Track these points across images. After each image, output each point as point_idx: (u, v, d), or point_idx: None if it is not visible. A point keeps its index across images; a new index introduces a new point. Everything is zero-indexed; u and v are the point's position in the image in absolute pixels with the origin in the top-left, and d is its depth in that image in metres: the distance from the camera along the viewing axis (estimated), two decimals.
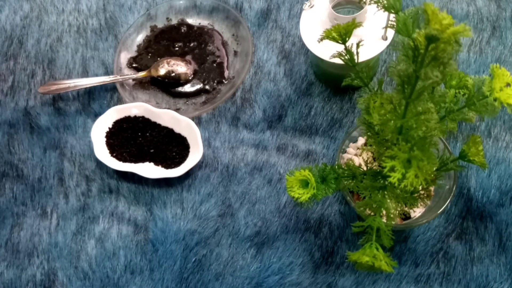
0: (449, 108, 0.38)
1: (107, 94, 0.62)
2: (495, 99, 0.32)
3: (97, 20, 0.67)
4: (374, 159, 0.49)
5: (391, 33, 0.49)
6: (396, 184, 0.31)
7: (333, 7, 0.50)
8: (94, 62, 0.64)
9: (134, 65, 0.63)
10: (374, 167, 0.43)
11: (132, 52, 0.64)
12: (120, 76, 0.60)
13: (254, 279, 0.51)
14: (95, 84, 0.60)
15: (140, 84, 0.62)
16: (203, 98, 0.61)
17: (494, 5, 0.59)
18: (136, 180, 0.57)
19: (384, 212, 0.38)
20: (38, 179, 0.59)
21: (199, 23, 0.65)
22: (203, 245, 0.53)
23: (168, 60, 0.61)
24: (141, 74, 0.61)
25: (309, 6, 0.52)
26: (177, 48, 0.64)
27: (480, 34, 0.58)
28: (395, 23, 0.36)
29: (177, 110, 0.59)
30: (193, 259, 0.53)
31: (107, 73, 0.63)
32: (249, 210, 0.54)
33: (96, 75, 0.63)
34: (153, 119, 0.58)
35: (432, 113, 0.31)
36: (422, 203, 0.46)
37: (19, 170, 0.59)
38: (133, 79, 0.62)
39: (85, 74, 0.63)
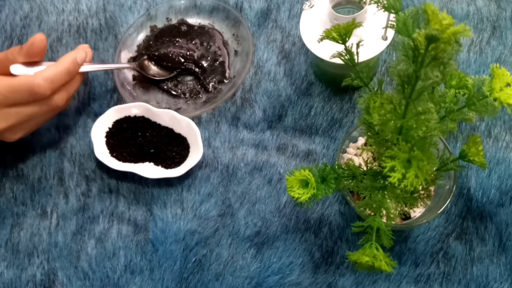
0: (449, 108, 0.38)
1: (107, 94, 0.62)
2: (495, 99, 0.32)
3: (97, 20, 0.67)
4: (374, 159, 0.49)
5: (391, 33, 0.49)
6: (396, 184, 0.31)
7: (333, 7, 0.50)
8: (94, 62, 0.64)
9: None
10: (374, 167, 0.43)
11: (132, 52, 0.64)
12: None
13: (254, 279, 0.51)
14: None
15: (140, 84, 0.62)
16: (203, 97, 0.61)
17: (494, 5, 0.59)
18: (136, 180, 0.57)
19: (384, 212, 0.39)
20: (38, 179, 0.59)
21: (199, 23, 0.65)
22: (203, 245, 0.53)
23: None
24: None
25: (309, 6, 0.52)
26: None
27: (480, 34, 0.58)
28: (395, 23, 0.36)
29: (177, 110, 0.59)
30: (193, 259, 0.53)
31: (107, 73, 0.63)
32: (249, 210, 0.54)
33: (96, 75, 0.63)
34: (153, 119, 0.58)
35: (432, 113, 0.31)
36: (422, 203, 0.46)
37: (19, 170, 0.59)
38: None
39: (85, 73, 0.63)
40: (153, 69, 0.62)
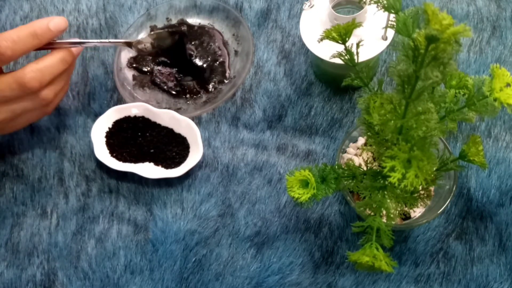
0: (449, 108, 0.38)
1: (107, 94, 0.62)
2: (495, 99, 0.32)
3: (97, 20, 0.67)
4: (374, 159, 0.49)
5: (391, 33, 0.49)
6: (396, 184, 0.31)
7: (333, 7, 0.50)
8: (94, 62, 0.64)
9: (134, 65, 0.63)
10: (374, 167, 0.43)
11: (132, 52, 0.64)
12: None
13: (254, 279, 0.51)
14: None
15: (140, 84, 0.62)
16: (203, 97, 0.61)
17: (494, 5, 0.59)
18: (136, 180, 0.57)
19: (384, 212, 0.39)
20: (38, 179, 0.59)
21: (199, 23, 0.65)
22: (203, 245, 0.53)
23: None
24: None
25: (309, 6, 0.52)
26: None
27: (480, 34, 0.58)
28: (395, 23, 0.36)
29: (177, 110, 0.59)
30: (193, 259, 0.53)
31: (107, 73, 0.63)
32: (249, 210, 0.54)
33: (96, 75, 0.63)
34: (153, 119, 0.58)
35: (432, 113, 0.31)
36: (422, 203, 0.46)
37: (19, 170, 0.59)
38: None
39: (85, 73, 0.63)
40: (147, 43, 0.61)
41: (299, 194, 0.36)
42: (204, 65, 0.62)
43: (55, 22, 0.48)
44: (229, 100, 0.60)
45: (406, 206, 0.41)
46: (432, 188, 0.48)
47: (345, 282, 0.50)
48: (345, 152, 0.51)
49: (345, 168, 0.41)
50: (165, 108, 0.59)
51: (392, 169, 0.31)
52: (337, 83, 0.55)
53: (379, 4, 0.37)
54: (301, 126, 0.57)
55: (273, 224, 0.53)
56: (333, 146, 0.56)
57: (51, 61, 0.49)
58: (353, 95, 0.58)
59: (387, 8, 0.37)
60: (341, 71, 0.53)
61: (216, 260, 0.52)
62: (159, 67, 0.63)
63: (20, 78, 0.47)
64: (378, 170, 0.41)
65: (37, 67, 0.48)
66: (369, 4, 0.46)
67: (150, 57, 0.63)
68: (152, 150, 0.57)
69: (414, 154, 0.31)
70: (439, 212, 0.45)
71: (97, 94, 0.62)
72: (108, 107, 0.59)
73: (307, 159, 0.56)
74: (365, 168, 0.43)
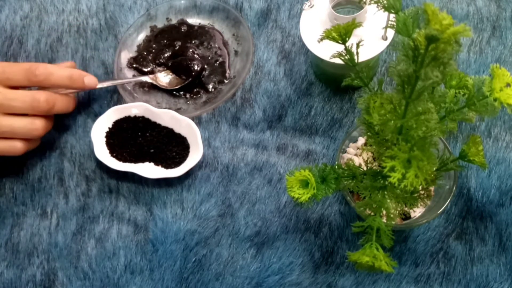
0: (449, 108, 0.38)
1: (107, 94, 0.62)
2: (495, 99, 0.32)
3: (97, 20, 0.67)
4: (374, 159, 0.49)
5: (391, 33, 0.49)
6: (396, 184, 0.31)
7: (333, 7, 0.50)
8: (94, 62, 0.64)
9: (134, 65, 0.63)
10: (374, 167, 0.43)
11: (132, 52, 0.64)
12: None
13: (254, 279, 0.51)
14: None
15: (140, 84, 0.62)
16: (203, 97, 0.61)
17: (494, 5, 0.59)
18: (136, 180, 0.57)
19: (384, 212, 0.39)
20: (38, 179, 0.59)
21: (199, 23, 0.65)
22: (203, 245, 0.53)
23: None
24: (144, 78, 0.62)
25: (309, 6, 0.52)
26: (177, 48, 0.63)
27: (480, 34, 0.58)
28: (395, 23, 0.36)
29: (177, 110, 0.59)
30: (193, 259, 0.53)
31: (107, 73, 0.63)
32: (249, 210, 0.54)
33: (96, 75, 0.63)
34: (153, 119, 0.58)
35: (432, 113, 0.31)
36: (422, 203, 0.46)
37: (19, 170, 0.59)
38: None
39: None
40: (166, 78, 0.61)
41: (299, 194, 0.36)
42: (205, 65, 0.62)
43: (89, 79, 0.56)
44: (229, 100, 0.60)
45: (406, 206, 0.41)
46: (432, 188, 0.48)
47: (345, 282, 0.50)
48: (345, 152, 0.51)
49: (345, 168, 0.41)
50: (165, 108, 0.59)
51: (392, 169, 0.31)
52: (337, 83, 0.54)
53: (379, 4, 0.37)
54: (301, 126, 0.57)
55: (273, 224, 0.53)
56: (333, 146, 0.56)
57: (64, 98, 0.56)
58: (353, 95, 0.58)
59: (387, 8, 0.37)
60: (341, 71, 0.53)
61: (216, 260, 0.52)
62: (159, 68, 0.63)
63: (37, 94, 0.53)
64: (378, 170, 0.41)
65: (54, 95, 0.54)
66: (369, 4, 0.46)
67: (150, 57, 0.63)
68: (152, 150, 0.57)
69: (414, 154, 0.31)
70: (439, 212, 0.45)
71: (97, 94, 0.62)
72: (108, 107, 0.59)
73: (307, 159, 0.56)
74: (365, 168, 0.43)
